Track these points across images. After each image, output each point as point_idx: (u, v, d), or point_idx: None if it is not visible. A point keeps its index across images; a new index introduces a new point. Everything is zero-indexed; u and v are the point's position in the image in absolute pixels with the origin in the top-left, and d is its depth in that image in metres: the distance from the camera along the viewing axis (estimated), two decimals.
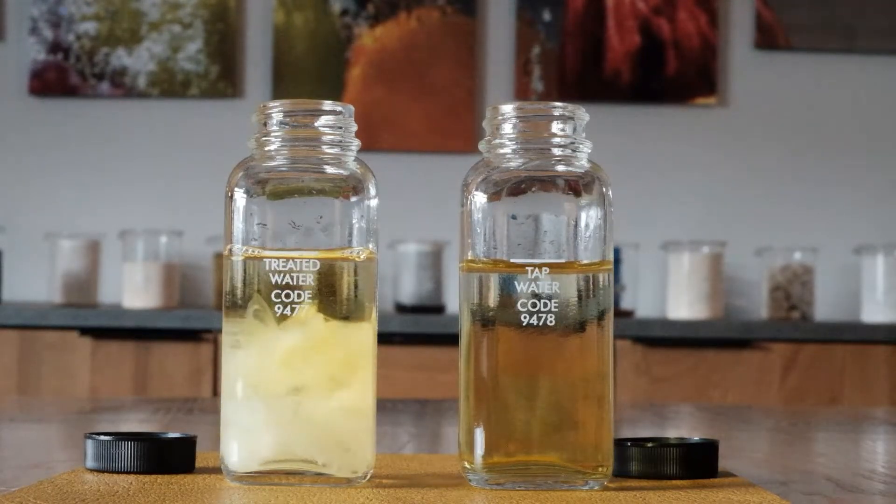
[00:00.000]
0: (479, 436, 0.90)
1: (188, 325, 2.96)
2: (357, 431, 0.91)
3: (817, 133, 3.44)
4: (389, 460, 1.03)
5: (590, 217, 0.92)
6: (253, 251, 0.92)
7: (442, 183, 3.23)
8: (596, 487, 0.90)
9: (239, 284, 0.92)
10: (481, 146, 0.94)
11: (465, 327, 0.92)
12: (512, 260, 0.91)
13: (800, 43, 3.43)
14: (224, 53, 3.39)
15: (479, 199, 0.92)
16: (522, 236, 0.91)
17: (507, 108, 0.93)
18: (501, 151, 0.93)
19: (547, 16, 3.41)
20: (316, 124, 0.93)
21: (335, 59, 3.40)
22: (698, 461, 0.95)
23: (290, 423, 0.90)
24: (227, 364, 0.92)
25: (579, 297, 0.91)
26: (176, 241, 3.21)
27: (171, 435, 0.97)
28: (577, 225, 0.91)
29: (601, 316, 0.91)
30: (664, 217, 3.40)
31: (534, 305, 0.90)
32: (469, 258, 0.92)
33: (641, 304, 3.29)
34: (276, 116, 0.93)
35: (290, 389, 0.90)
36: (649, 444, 0.97)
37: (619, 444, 0.94)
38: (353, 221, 0.92)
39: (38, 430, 1.36)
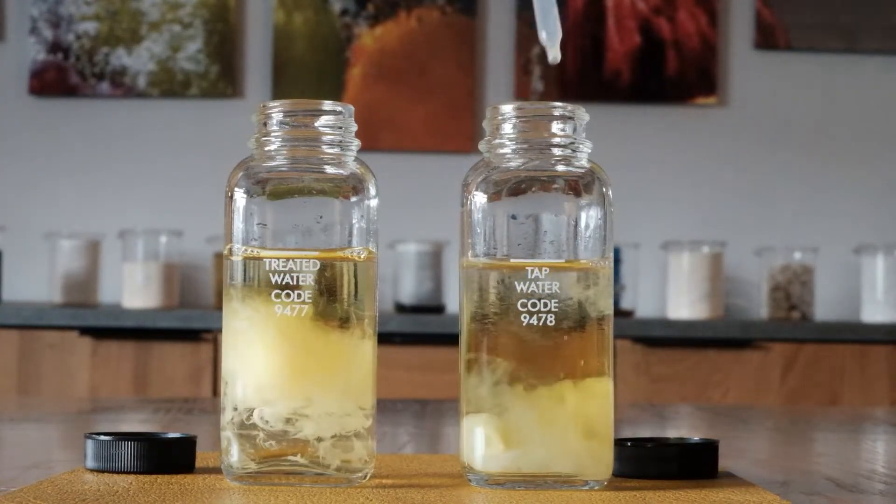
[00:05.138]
0: (479, 436, 0.90)
1: (188, 325, 2.96)
2: (357, 431, 0.91)
3: (817, 133, 3.44)
4: (389, 460, 1.03)
5: (590, 217, 0.92)
6: (253, 251, 0.92)
7: (442, 183, 3.23)
8: (596, 487, 0.90)
9: (239, 284, 0.92)
10: (481, 146, 0.94)
11: (465, 327, 0.92)
12: (512, 260, 0.91)
13: (800, 43, 3.43)
14: (224, 53, 3.39)
15: (479, 199, 0.92)
16: (522, 236, 0.91)
17: (507, 108, 0.93)
18: (501, 151, 0.93)
19: None
20: (316, 124, 0.93)
21: (335, 59, 3.40)
22: (698, 461, 0.95)
23: (290, 423, 0.90)
24: (226, 364, 0.92)
25: (579, 297, 0.91)
26: (176, 241, 3.21)
27: (171, 435, 0.97)
28: (577, 225, 0.91)
29: (601, 316, 0.91)
30: (664, 217, 3.40)
31: (534, 305, 0.90)
32: (469, 258, 0.92)
33: (641, 304, 3.29)
34: (276, 116, 0.93)
35: (290, 389, 0.90)
36: (649, 444, 0.97)
37: (619, 444, 0.94)
38: (353, 221, 0.92)
39: (38, 430, 1.36)
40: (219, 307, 2.49)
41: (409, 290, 3.17)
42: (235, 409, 0.91)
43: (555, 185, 0.92)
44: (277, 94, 3.35)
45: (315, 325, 0.91)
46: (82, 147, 3.40)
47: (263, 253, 0.92)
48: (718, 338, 2.99)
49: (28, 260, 3.35)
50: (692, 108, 3.43)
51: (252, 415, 0.90)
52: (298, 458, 0.90)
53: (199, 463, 0.97)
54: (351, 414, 0.91)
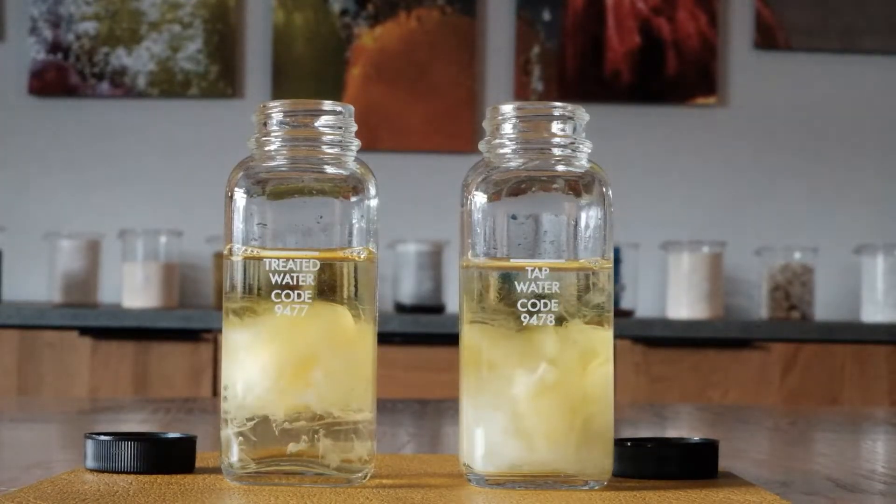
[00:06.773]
0: (479, 436, 0.90)
1: (188, 325, 2.96)
2: (357, 431, 0.91)
3: (817, 133, 3.44)
4: (389, 460, 1.03)
5: (590, 217, 0.92)
6: (253, 251, 0.92)
7: (442, 183, 3.23)
8: (596, 487, 0.90)
9: (239, 284, 0.92)
10: (481, 146, 0.94)
11: (465, 327, 0.92)
12: (512, 260, 0.91)
13: (800, 43, 3.43)
14: (224, 53, 3.39)
15: (479, 199, 0.92)
16: (522, 236, 0.91)
17: (507, 108, 0.93)
18: (501, 151, 0.93)
19: (547, 15, 3.41)
20: (316, 124, 0.93)
21: (335, 59, 3.40)
22: (698, 461, 0.95)
23: (289, 424, 0.90)
24: (226, 364, 0.92)
25: (579, 297, 0.91)
26: (176, 241, 3.21)
27: (171, 435, 0.97)
28: (577, 225, 0.91)
29: (601, 316, 0.91)
30: (664, 217, 3.40)
31: (534, 305, 0.90)
32: (469, 258, 0.92)
33: (641, 304, 3.29)
34: (276, 116, 0.93)
35: (290, 389, 0.90)
36: (649, 444, 0.97)
37: (619, 444, 0.94)
38: (353, 221, 0.92)
39: (38, 430, 1.36)
40: (219, 307, 2.49)
41: (409, 290, 3.17)
42: (236, 408, 0.91)
43: (555, 185, 0.92)
44: (277, 94, 3.35)
45: (315, 324, 0.91)
46: (82, 147, 3.40)
47: (263, 253, 0.92)
48: (718, 338, 2.99)
49: (28, 260, 3.35)
50: (692, 108, 3.43)
51: (251, 414, 0.90)
52: (299, 447, 0.89)
53: (199, 463, 0.97)
54: (351, 413, 0.90)
